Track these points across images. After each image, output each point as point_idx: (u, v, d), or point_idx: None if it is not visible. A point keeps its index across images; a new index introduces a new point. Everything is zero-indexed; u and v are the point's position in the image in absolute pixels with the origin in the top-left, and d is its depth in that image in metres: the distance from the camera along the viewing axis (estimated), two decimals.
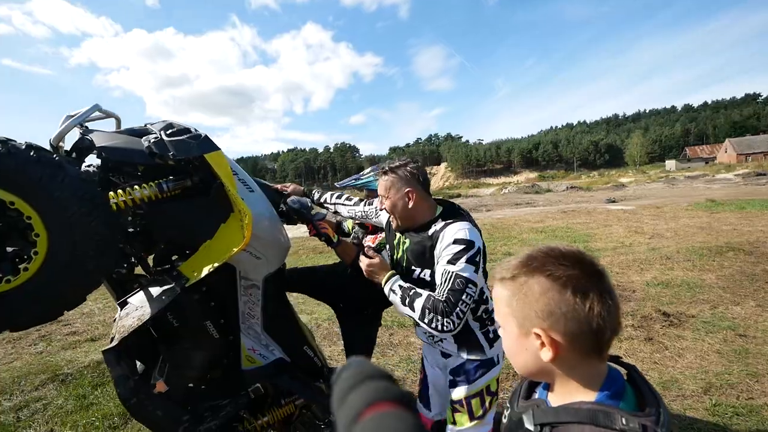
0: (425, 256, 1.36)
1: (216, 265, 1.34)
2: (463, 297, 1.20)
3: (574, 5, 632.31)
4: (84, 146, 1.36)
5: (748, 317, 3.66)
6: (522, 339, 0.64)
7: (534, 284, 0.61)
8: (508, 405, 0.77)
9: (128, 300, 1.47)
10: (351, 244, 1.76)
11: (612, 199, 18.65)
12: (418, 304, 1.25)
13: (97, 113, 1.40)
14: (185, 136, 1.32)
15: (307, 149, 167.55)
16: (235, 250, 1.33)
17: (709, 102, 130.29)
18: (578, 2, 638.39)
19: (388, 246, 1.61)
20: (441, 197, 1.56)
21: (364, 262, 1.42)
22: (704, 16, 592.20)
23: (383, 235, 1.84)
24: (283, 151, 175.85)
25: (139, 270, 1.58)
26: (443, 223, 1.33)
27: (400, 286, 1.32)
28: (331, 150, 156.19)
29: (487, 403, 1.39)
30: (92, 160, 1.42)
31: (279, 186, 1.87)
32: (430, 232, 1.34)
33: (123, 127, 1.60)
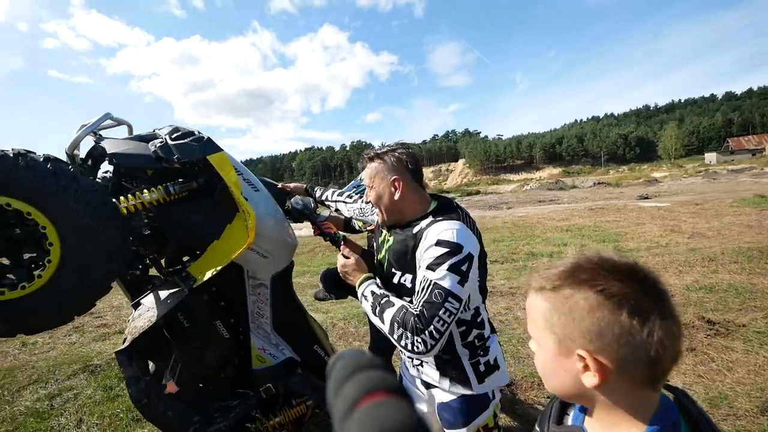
0: (407, 257, 1.15)
1: (222, 265, 1.36)
2: (441, 313, 0.98)
3: None
4: (97, 153, 1.41)
5: None
6: (561, 359, 0.57)
7: (581, 299, 0.54)
8: (537, 429, 0.72)
9: (141, 301, 1.50)
10: (356, 243, 1.71)
11: (644, 196, 17.82)
12: (388, 315, 1.06)
13: (109, 121, 1.45)
14: (188, 139, 1.36)
15: (324, 148, 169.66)
16: (240, 250, 1.35)
17: (755, 88, 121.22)
18: None
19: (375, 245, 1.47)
20: (437, 193, 1.38)
21: (339, 261, 1.28)
22: None
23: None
24: (300, 150, 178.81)
25: (153, 271, 1.61)
26: (431, 220, 1.13)
27: (373, 293, 1.14)
28: (348, 148, 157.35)
29: None
30: (109, 167, 1.47)
31: (279, 185, 1.83)
32: (416, 229, 1.14)
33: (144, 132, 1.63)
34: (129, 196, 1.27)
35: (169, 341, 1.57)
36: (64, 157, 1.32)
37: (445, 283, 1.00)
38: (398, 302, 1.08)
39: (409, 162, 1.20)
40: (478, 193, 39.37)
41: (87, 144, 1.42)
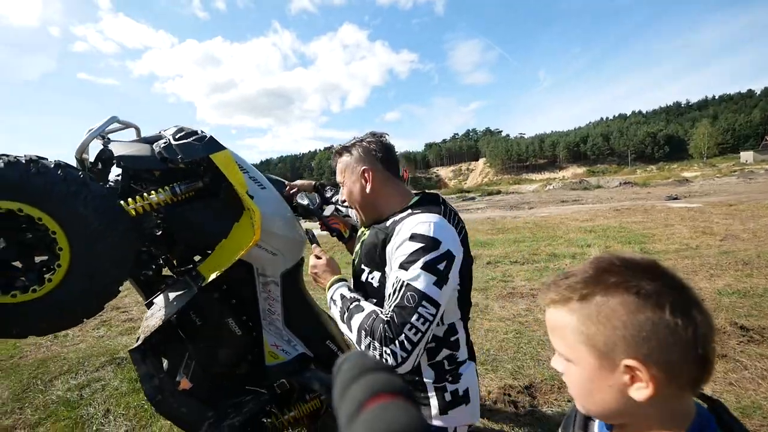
0: (375, 252, 1.02)
1: (230, 263, 1.37)
2: (413, 319, 0.85)
3: None
4: (105, 157, 1.44)
5: None
6: (603, 374, 0.52)
7: (617, 304, 0.49)
8: None
9: (154, 300, 1.53)
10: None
11: (674, 196, 17.04)
12: (356, 321, 0.93)
13: (116, 124, 1.48)
14: (191, 138, 1.36)
15: None
16: (246, 247, 1.35)
17: None
18: None
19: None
20: (422, 190, 1.23)
21: (310, 262, 1.19)
22: None
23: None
24: (320, 150, 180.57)
25: (167, 271, 1.65)
26: (408, 213, 1.00)
27: (342, 296, 1.02)
28: None
29: None
30: (118, 170, 1.49)
31: (287, 185, 1.81)
32: (389, 222, 1.02)
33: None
34: (137, 197, 1.29)
35: (183, 339, 1.60)
36: (74, 162, 1.36)
37: (419, 284, 0.86)
38: (369, 307, 0.95)
39: (378, 151, 1.08)
40: (498, 192, 38.73)
41: (97, 148, 1.45)
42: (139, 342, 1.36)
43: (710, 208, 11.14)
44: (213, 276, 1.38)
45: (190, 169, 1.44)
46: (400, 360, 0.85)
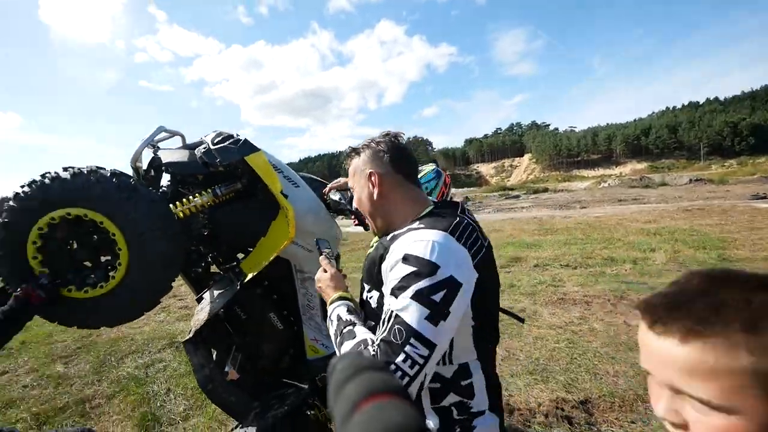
0: (374, 269, 0.91)
1: (268, 261, 1.45)
2: (399, 360, 0.71)
3: None
4: (156, 164, 1.58)
5: None
6: None
7: None
8: None
9: (203, 295, 1.65)
10: None
11: (760, 195, 15.09)
12: (345, 349, 0.84)
13: (164, 134, 1.60)
14: (227, 142, 1.46)
15: None
16: (282, 245, 1.43)
17: None
18: None
19: None
20: (442, 200, 1.02)
21: (316, 276, 1.11)
22: None
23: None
24: None
25: (215, 268, 1.77)
26: (411, 226, 0.86)
27: (339, 317, 0.91)
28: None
29: None
30: (167, 175, 1.63)
31: (327, 186, 1.82)
32: (390, 236, 0.90)
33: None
34: (183, 200, 1.41)
35: (230, 332, 1.70)
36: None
37: (408, 317, 0.71)
38: (360, 334, 0.83)
39: (387, 151, 0.94)
40: (546, 190, 36.85)
41: (149, 156, 1.59)
42: (191, 334, 1.47)
43: None
44: (253, 273, 1.47)
45: (229, 172, 1.53)
46: None
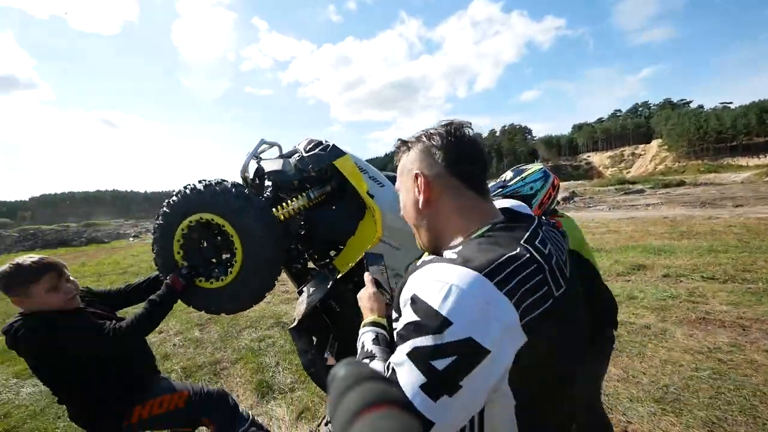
0: (399, 296, 0.72)
1: (357, 258, 1.58)
2: None
3: None
4: (260, 174, 1.82)
5: None
6: None
7: None
8: None
9: (302, 289, 1.85)
10: None
11: None
12: None
13: (264, 146, 1.83)
14: (318, 149, 1.63)
15: None
16: (370, 244, 1.55)
17: None
18: None
19: None
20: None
21: (359, 292, 1.01)
22: None
23: None
24: None
25: (312, 264, 1.96)
26: (449, 250, 0.67)
27: (362, 345, 0.79)
28: (497, 133, 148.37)
29: None
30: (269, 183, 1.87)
31: None
32: (420, 260, 0.76)
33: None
34: (283, 204, 1.61)
35: (327, 323, 1.86)
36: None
37: (401, 378, 0.56)
38: (379, 367, 0.70)
39: (442, 147, 0.74)
40: (682, 183, 30.79)
41: (254, 167, 1.83)
42: (295, 323, 1.67)
43: None
44: (345, 269, 1.62)
45: (321, 176, 1.69)
46: None
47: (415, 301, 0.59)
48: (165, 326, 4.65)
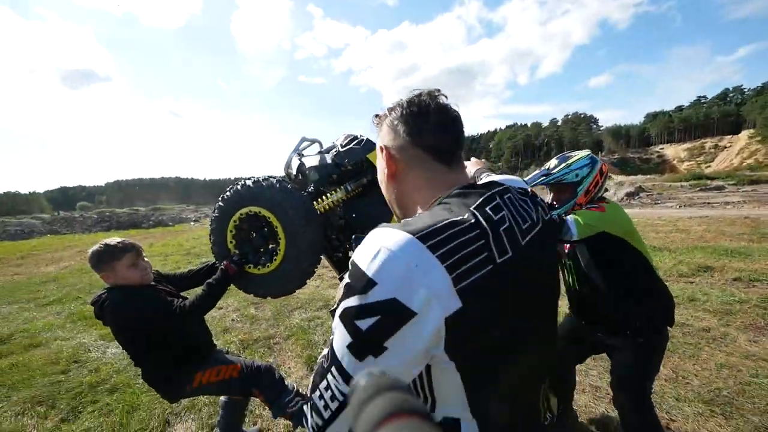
0: None
1: None
2: (322, 386, 0.58)
3: None
4: (302, 170, 1.99)
5: None
6: None
7: None
8: None
9: (343, 276, 2.06)
10: None
11: None
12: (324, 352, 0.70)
13: (305, 143, 2.00)
14: (353, 144, 1.76)
15: (529, 124, 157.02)
16: None
17: None
18: None
19: None
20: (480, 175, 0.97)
21: None
22: None
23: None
24: (500, 129, 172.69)
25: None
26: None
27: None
28: (559, 123, 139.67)
29: None
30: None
31: None
32: None
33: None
34: (323, 197, 1.74)
35: None
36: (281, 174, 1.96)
37: (334, 339, 0.58)
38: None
39: (403, 119, 0.73)
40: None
41: (296, 163, 2.00)
42: (334, 306, 1.92)
43: None
44: None
45: (356, 169, 1.83)
46: (311, 429, 0.59)
47: (351, 264, 0.59)
48: (224, 303, 5.21)
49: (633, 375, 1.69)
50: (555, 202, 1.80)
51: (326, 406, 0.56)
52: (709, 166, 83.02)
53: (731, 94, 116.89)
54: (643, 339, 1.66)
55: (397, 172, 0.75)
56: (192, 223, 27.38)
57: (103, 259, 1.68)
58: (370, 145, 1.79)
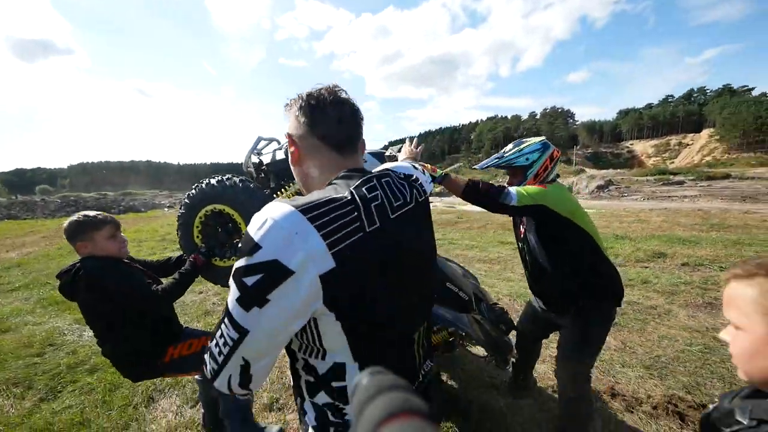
0: None
1: None
2: (218, 334, 0.68)
3: None
4: (261, 167, 2.13)
5: None
6: None
7: None
8: (716, 400, 0.81)
9: None
10: (459, 178, 1.73)
11: None
12: None
13: (263, 142, 2.13)
14: None
15: (509, 117, 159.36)
16: None
17: None
18: None
19: None
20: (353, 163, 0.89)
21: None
22: None
23: None
24: (481, 120, 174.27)
25: None
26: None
27: None
28: (538, 116, 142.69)
29: None
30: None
31: (387, 152, 1.95)
32: None
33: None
34: (282, 190, 1.84)
35: None
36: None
37: (228, 297, 0.67)
38: None
39: (303, 110, 0.82)
40: (727, 177, 29.12)
41: (257, 160, 2.12)
42: None
43: None
44: None
45: None
46: (209, 373, 0.70)
47: (245, 233, 0.68)
48: (204, 288, 5.21)
49: (572, 351, 1.78)
50: (508, 185, 1.84)
51: (220, 352, 0.66)
52: (673, 162, 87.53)
53: (695, 95, 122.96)
54: (586, 317, 1.75)
55: (300, 158, 0.85)
56: (166, 209, 26.55)
57: (82, 229, 1.67)
58: None
